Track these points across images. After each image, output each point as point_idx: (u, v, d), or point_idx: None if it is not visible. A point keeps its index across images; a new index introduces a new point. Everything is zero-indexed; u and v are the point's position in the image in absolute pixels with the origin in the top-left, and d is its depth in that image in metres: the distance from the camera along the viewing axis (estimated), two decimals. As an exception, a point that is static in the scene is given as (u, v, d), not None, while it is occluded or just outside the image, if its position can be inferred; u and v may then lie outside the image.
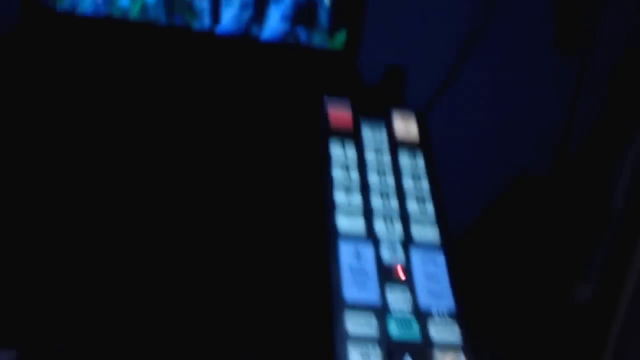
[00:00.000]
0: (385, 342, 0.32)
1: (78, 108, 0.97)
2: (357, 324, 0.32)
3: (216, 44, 1.07)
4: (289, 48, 1.04)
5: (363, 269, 0.33)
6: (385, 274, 0.34)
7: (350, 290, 0.33)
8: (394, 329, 0.32)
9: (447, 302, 0.34)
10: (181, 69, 1.05)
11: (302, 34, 1.02)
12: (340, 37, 1.00)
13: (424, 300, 0.34)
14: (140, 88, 1.03)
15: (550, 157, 1.12)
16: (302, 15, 1.02)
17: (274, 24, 1.06)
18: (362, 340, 0.32)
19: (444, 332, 0.33)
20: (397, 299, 0.33)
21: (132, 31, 1.07)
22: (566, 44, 1.12)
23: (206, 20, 1.06)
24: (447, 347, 0.32)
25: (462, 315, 0.33)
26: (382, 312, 0.33)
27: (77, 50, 1.07)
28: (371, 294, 0.33)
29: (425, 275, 0.34)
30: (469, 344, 0.32)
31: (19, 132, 0.88)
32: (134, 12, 1.06)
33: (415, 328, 0.33)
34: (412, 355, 0.31)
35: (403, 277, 0.34)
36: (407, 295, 0.34)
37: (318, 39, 1.01)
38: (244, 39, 1.07)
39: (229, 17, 1.07)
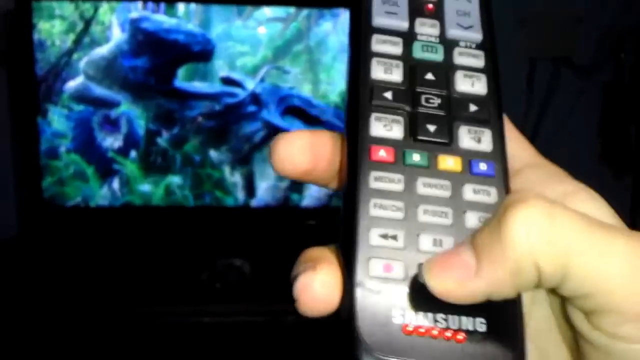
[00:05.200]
0: (408, 60, 0.33)
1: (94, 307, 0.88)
2: (381, 43, 0.33)
3: (253, 217, 0.96)
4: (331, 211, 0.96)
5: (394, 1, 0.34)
6: (417, 8, 0.35)
7: (380, 16, 0.33)
8: (417, 51, 0.33)
9: (476, 35, 0.34)
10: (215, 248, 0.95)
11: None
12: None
13: (452, 31, 0.34)
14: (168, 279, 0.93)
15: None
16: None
17: (315, 191, 0.97)
18: (385, 56, 0.33)
19: (469, 58, 0.34)
20: (426, 29, 0.34)
21: (157, 216, 0.95)
22: (614, 162, 1.07)
23: (240, 196, 0.95)
24: (469, 69, 0.33)
25: (489, 45, 0.34)
26: (409, 37, 0.34)
27: (93, 244, 0.96)
28: (400, 22, 0.34)
29: (457, 11, 0.35)
30: (492, 69, 0.34)
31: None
32: (158, 197, 0.94)
33: (440, 51, 0.34)
34: (433, 74, 0.33)
35: (433, 11, 0.35)
36: (437, 26, 0.34)
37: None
38: (283, 209, 0.96)
39: (264, 189, 0.97)
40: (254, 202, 0.96)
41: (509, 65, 1.09)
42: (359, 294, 0.27)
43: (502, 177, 0.30)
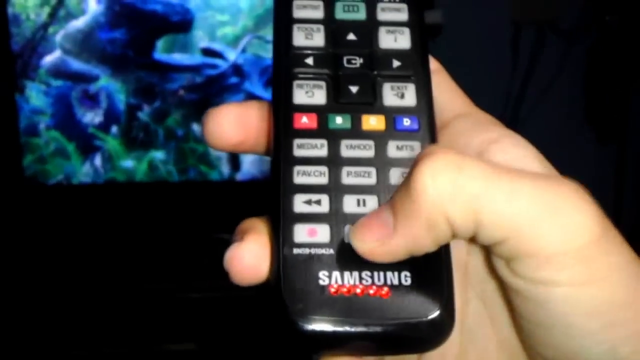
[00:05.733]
0: (330, 22, 0.32)
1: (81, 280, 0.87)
2: (302, 8, 0.32)
3: (239, 191, 0.95)
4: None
5: None
6: None
7: None
8: (339, 12, 0.32)
9: None
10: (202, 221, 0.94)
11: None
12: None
13: None
14: (155, 251, 0.92)
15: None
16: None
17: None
18: (306, 21, 0.32)
19: (391, 12, 0.33)
20: None
21: (141, 193, 0.94)
22: (599, 125, 1.06)
23: (225, 169, 0.94)
24: (392, 24, 0.32)
25: None
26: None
27: (77, 222, 0.94)
28: None
29: None
30: (416, 22, 0.33)
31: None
32: (141, 173, 0.93)
33: (362, 10, 0.33)
34: (355, 34, 0.32)
35: None
36: None
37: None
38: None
39: (250, 161, 0.95)
40: (240, 176, 0.95)
41: (494, 30, 1.08)
42: (284, 260, 0.27)
43: (427, 130, 0.30)
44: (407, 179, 0.25)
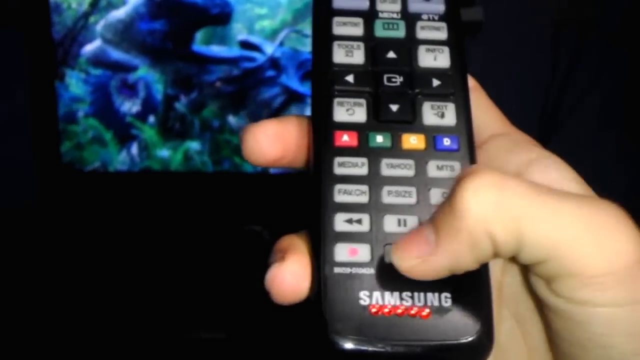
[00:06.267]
0: (370, 40, 0.32)
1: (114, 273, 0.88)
2: (342, 25, 0.33)
3: (272, 183, 0.96)
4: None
5: None
6: None
7: None
8: (379, 29, 0.33)
9: (438, 6, 0.34)
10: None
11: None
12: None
13: (414, 5, 0.33)
14: (188, 240, 0.93)
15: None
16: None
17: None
18: (346, 38, 0.32)
19: (431, 31, 0.33)
20: (387, 5, 0.33)
21: (176, 182, 0.95)
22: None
23: (259, 162, 0.94)
24: (431, 42, 0.33)
25: (452, 17, 0.33)
26: (370, 16, 0.33)
27: (112, 209, 0.95)
28: (360, 1, 0.33)
29: None
30: (455, 40, 0.33)
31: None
32: (176, 163, 0.93)
33: (402, 27, 0.33)
34: (395, 52, 0.32)
35: None
36: (398, 1, 0.33)
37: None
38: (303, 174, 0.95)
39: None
40: (273, 169, 0.95)
41: (534, 28, 1.07)
42: (326, 280, 0.27)
43: (466, 150, 0.30)
44: (450, 197, 0.25)
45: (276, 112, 0.92)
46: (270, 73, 0.91)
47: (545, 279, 0.26)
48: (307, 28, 0.90)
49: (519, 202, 0.25)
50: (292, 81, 0.91)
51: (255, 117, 0.92)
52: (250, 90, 0.92)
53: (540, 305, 0.27)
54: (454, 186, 0.25)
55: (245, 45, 0.90)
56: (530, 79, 1.04)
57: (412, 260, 0.26)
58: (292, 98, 0.91)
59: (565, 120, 1.06)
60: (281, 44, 0.90)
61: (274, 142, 0.30)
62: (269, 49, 0.90)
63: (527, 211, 0.25)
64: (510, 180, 0.25)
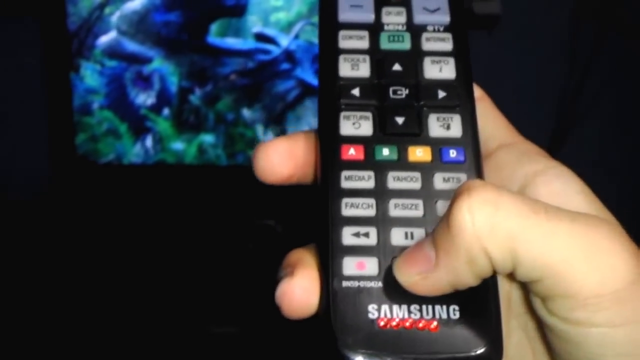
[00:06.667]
0: (375, 53, 0.32)
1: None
2: (347, 39, 0.32)
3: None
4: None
5: None
6: None
7: (345, 11, 0.33)
8: (384, 42, 0.33)
9: (443, 17, 0.33)
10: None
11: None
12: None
13: (419, 16, 0.33)
14: (203, 234, 0.93)
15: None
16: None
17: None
18: (352, 52, 0.32)
19: (436, 42, 0.33)
20: (392, 18, 0.33)
21: (190, 175, 0.94)
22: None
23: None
24: (437, 54, 0.32)
25: (457, 27, 0.33)
26: (375, 29, 0.33)
27: (126, 201, 0.96)
28: (365, 14, 0.33)
29: None
30: (461, 51, 0.33)
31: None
32: (190, 155, 0.93)
33: (407, 39, 0.33)
34: (401, 64, 0.32)
35: None
36: (403, 13, 0.33)
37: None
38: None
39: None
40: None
41: (553, 22, 1.05)
42: (334, 293, 0.27)
43: (473, 161, 0.30)
44: (446, 215, 0.25)
45: (291, 106, 0.92)
46: (285, 66, 0.90)
47: (541, 297, 0.26)
48: (322, 21, 0.89)
49: (513, 220, 0.25)
50: (307, 74, 0.91)
51: (270, 110, 0.92)
52: (264, 83, 0.91)
53: (540, 323, 0.27)
54: (450, 203, 0.25)
55: (260, 37, 0.89)
56: (548, 73, 1.03)
57: (413, 276, 0.26)
58: (307, 91, 0.91)
59: (583, 115, 1.05)
60: (296, 36, 0.89)
61: (286, 159, 0.30)
62: (284, 41, 0.89)
63: (521, 231, 0.24)
64: (506, 196, 0.25)
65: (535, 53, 1.01)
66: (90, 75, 0.90)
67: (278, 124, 0.93)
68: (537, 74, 1.02)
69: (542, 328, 0.28)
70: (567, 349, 0.26)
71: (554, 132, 1.05)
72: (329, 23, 0.33)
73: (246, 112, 0.92)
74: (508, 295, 0.29)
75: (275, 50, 0.90)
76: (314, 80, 0.92)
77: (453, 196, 0.26)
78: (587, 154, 1.02)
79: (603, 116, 1.04)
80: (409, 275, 0.27)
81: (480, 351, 0.26)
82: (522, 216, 0.25)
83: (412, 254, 0.27)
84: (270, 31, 0.89)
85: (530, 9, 0.99)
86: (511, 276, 0.26)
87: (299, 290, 0.28)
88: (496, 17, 0.94)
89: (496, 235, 0.24)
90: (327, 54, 0.32)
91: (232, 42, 0.90)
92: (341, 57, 0.32)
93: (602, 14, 1.03)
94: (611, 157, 1.04)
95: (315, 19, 0.94)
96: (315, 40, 0.95)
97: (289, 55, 0.90)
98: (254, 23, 0.89)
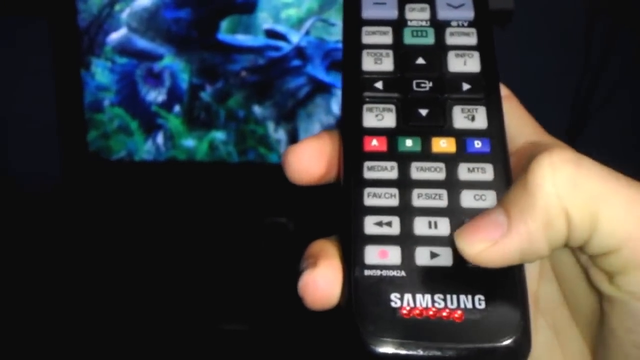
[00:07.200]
0: (399, 48, 0.32)
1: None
2: (371, 34, 0.32)
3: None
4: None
5: None
6: None
7: (369, 8, 0.33)
8: (408, 37, 0.33)
9: (468, 13, 0.33)
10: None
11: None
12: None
13: (443, 12, 0.33)
14: (215, 232, 0.93)
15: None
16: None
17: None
18: (375, 47, 0.32)
19: (460, 37, 0.32)
20: (416, 14, 0.33)
21: (201, 172, 0.94)
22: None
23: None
24: (461, 48, 0.32)
25: (482, 22, 0.33)
26: (399, 25, 0.33)
27: (137, 198, 0.96)
28: (389, 11, 0.34)
29: None
30: (486, 45, 0.32)
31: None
32: (202, 152, 0.93)
33: (431, 34, 0.33)
34: (424, 58, 0.32)
35: None
36: (426, 10, 0.34)
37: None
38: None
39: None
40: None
41: (566, 18, 1.04)
42: (356, 282, 0.27)
43: (499, 152, 0.30)
44: (524, 175, 0.24)
45: (301, 102, 0.91)
46: (296, 63, 0.90)
47: (612, 271, 0.24)
48: (333, 17, 0.89)
49: (597, 182, 0.23)
50: (317, 71, 0.90)
51: (281, 107, 0.92)
52: (275, 80, 0.91)
53: (582, 312, 0.27)
54: (529, 164, 0.24)
55: (271, 34, 0.89)
56: (562, 69, 1.02)
57: (480, 245, 0.25)
58: (318, 88, 0.90)
59: (597, 110, 1.04)
60: (307, 33, 0.89)
61: (317, 159, 0.30)
62: (295, 38, 0.89)
63: (605, 194, 0.23)
64: (588, 160, 0.24)
65: (549, 49, 1.00)
66: (101, 73, 0.90)
67: (289, 121, 0.92)
68: (552, 69, 1.01)
69: (583, 317, 0.27)
70: (629, 325, 0.25)
71: (569, 127, 1.04)
72: (352, 20, 0.33)
73: (257, 109, 0.92)
74: (536, 294, 0.29)
75: (285, 47, 0.89)
76: (325, 77, 0.91)
77: (530, 158, 0.25)
78: (602, 149, 1.01)
79: (618, 111, 1.03)
80: (475, 244, 0.25)
81: (507, 342, 0.25)
82: (605, 178, 0.24)
83: (479, 221, 0.25)
84: (280, 28, 0.89)
85: (543, 5, 0.98)
86: (579, 249, 0.25)
87: (322, 281, 0.27)
88: (509, 13, 0.93)
89: (578, 195, 0.23)
90: (351, 49, 0.32)
91: (242, 38, 0.89)
92: (364, 52, 0.32)
93: (616, 9, 1.02)
94: (627, 152, 1.03)
95: (327, 16, 0.93)
96: (326, 36, 0.95)
97: (299, 51, 0.90)
98: (264, 20, 0.88)
